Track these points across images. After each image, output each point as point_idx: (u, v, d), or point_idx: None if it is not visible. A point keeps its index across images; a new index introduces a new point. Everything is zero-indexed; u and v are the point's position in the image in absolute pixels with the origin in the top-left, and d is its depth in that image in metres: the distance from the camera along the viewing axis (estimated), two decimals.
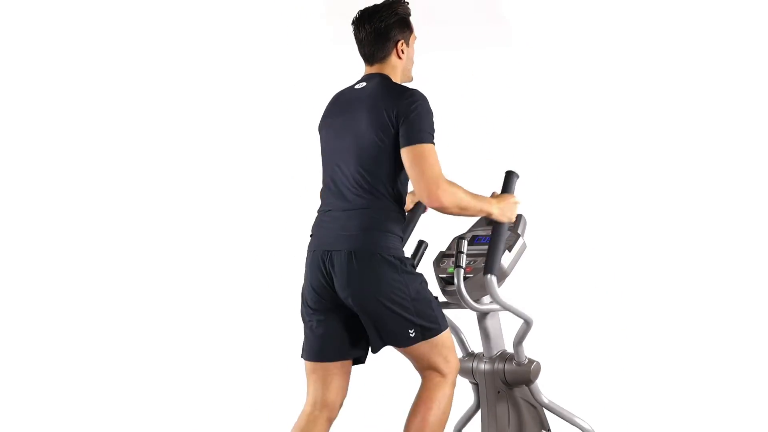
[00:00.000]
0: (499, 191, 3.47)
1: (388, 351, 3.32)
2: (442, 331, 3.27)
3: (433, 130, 3.18)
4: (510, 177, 3.47)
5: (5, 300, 5.61)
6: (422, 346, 3.24)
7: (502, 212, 3.36)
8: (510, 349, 3.62)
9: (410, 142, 3.14)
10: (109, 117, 5.73)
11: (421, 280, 3.27)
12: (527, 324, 3.51)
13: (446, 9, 5.54)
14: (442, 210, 3.18)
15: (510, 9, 5.69)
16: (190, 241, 5.74)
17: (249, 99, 5.80)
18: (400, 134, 3.15)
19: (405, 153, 3.15)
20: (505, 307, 3.43)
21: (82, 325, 5.60)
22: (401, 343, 3.22)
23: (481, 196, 3.29)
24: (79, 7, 5.67)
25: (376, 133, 3.18)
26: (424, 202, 3.17)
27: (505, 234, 3.41)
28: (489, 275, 3.36)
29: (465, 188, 3.22)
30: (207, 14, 5.78)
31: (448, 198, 3.14)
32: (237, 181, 5.77)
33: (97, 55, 5.71)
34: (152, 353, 5.60)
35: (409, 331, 3.20)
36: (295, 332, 3.42)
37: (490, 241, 3.40)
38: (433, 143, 3.16)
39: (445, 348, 3.27)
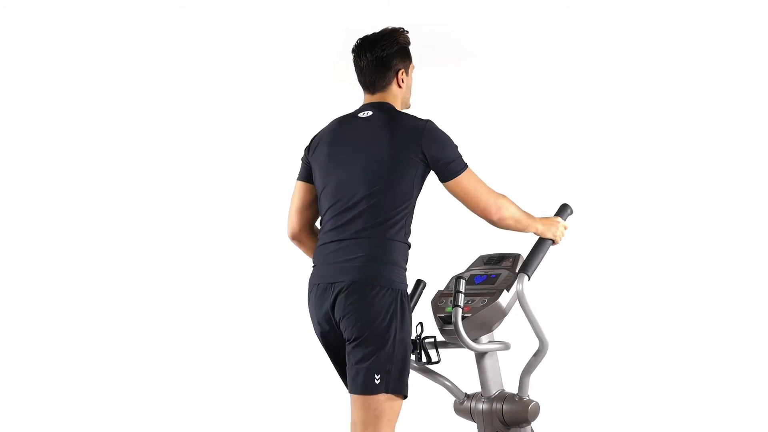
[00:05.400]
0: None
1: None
2: (403, 396, 3.18)
3: (459, 151, 3.24)
4: (563, 208, 3.56)
5: (8, 301, 5.64)
6: (378, 399, 3.13)
7: (546, 228, 3.43)
8: (508, 389, 3.56)
9: (454, 174, 3.21)
10: (122, 134, 5.82)
11: (410, 332, 3.22)
12: (541, 349, 3.44)
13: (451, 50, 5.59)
14: (502, 223, 3.28)
15: (510, 52, 5.73)
16: (190, 246, 5.77)
17: (254, 110, 5.83)
18: (437, 170, 3.21)
19: (453, 186, 3.23)
20: (529, 315, 3.40)
21: (82, 326, 5.64)
22: (365, 386, 3.13)
23: (528, 213, 3.36)
24: (81, 18, 5.74)
25: (395, 163, 3.16)
26: (487, 220, 3.27)
27: (548, 246, 3.47)
28: (521, 273, 3.41)
29: (513, 201, 3.30)
30: (212, 29, 5.83)
31: (506, 210, 3.26)
32: (238, 186, 5.79)
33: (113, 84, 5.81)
34: (153, 355, 5.64)
35: (375, 375, 3.12)
36: (295, 333, 3.37)
37: (533, 247, 3.47)
38: (467, 164, 3.24)
39: (394, 416, 3.17)
